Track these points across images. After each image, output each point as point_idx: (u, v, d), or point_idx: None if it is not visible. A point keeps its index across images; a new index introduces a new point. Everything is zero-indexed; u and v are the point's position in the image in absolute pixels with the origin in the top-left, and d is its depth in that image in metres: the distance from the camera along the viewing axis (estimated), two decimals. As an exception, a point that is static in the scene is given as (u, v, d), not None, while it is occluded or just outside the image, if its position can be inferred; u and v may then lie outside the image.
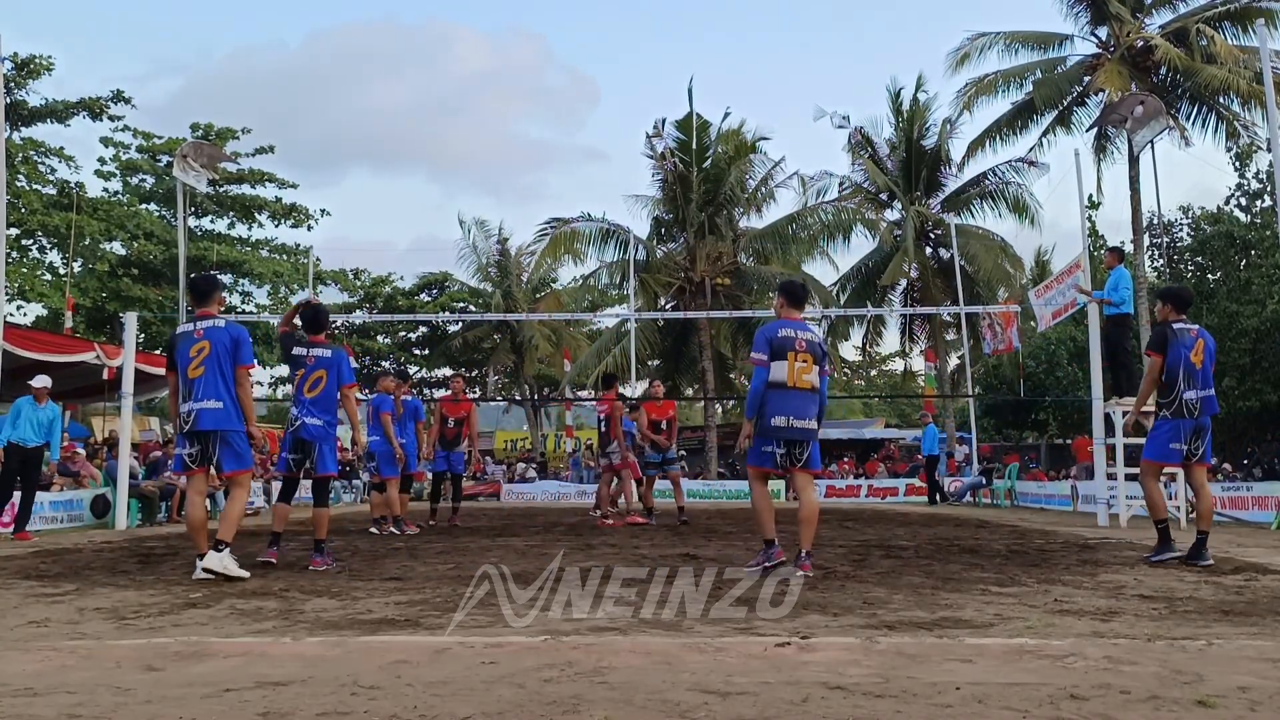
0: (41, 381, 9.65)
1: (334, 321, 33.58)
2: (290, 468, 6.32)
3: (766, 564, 5.32)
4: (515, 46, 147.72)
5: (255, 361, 5.82)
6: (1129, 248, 21.86)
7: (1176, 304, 6.52)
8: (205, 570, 5.25)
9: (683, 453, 11.93)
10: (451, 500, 11.36)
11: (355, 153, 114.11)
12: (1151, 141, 12.22)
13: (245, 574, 5.33)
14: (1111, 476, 10.75)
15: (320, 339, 6.45)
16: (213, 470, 5.73)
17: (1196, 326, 6.47)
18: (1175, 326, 6.34)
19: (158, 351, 19.30)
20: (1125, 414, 10.52)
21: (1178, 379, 6.17)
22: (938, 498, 18.28)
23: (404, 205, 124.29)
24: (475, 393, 37.66)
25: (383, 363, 36.98)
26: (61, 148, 25.76)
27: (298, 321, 6.67)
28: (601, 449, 11.08)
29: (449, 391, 11.88)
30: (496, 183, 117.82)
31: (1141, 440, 11.26)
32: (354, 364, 28.32)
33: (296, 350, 6.34)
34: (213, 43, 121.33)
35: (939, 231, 26.04)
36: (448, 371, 37.64)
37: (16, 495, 9.57)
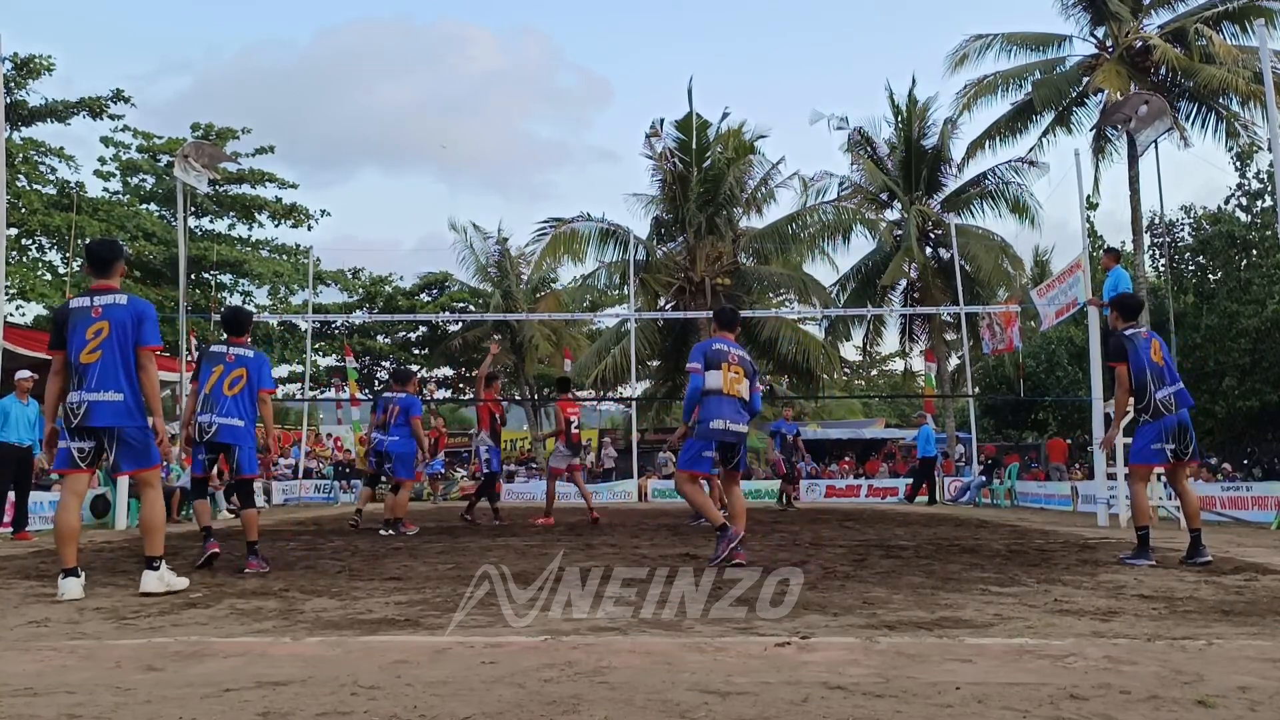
0: (26, 374, 9.57)
1: (334, 322, 33.87)
2: (206, 468, 6.24)
3: (731, 544, 5.55)
4: (527, 46, 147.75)
5: (162, 342, 4.95)
6: (1129, 248, 21.89)
7: (1124, 312, 6.72)
8: (143, 593, 4.64)
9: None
10: (487, 500, 11.49)
11: (364, 151, 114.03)
12: (1155, 141, 12.22)
13: (186, 582, 4.93)
14: (1111, 477, 10.75)
15: (241, 340, 6.16)
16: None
17: (1145, 328, 6.69)
18: (1128, 333, 6.47)
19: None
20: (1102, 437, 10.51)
21: (1146, 382, 6.27)
22: (916, 498, 18.37)
23: (411, 204, 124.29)
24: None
25: (383, 362, 36.97)
26: (61, 148, 25.81)
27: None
28: (573, 451, 11.27)
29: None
30: (505, 182, 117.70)
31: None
32: (354, 363, 28.43)
33: (215, 348, 6.08)
34: (221, 40, 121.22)
35: (939, 231, 26.05)
36: (448, 371, 37.65)
37: (11, 495, 9.54)
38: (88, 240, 25.18)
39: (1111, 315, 6.83)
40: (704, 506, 5.88)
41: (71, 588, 4.58)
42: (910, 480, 19.55)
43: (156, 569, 4.74)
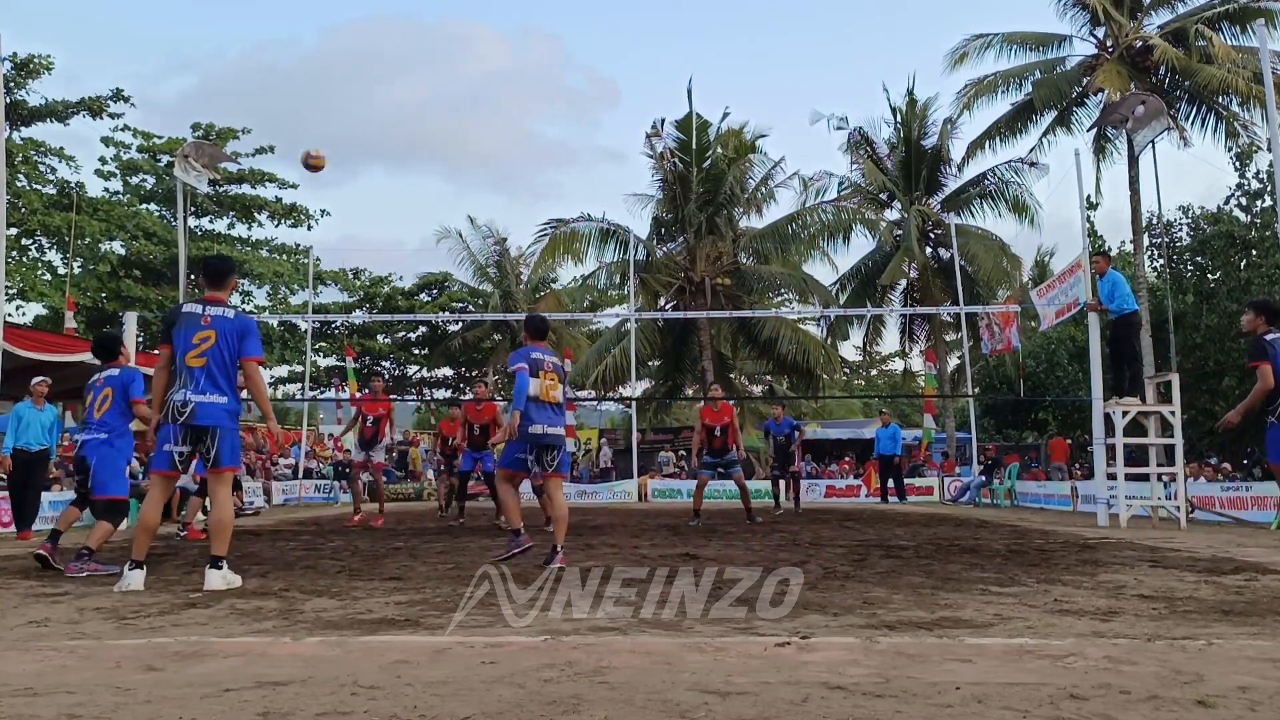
0: (41, 379, 9.71)
1: (333, 322, 33.87)
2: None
3: (517, 550, 5.95)
4: (534, 46, 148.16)
5: (263, 354, 5.34)
6: (1129, 248, 21.88)
7: (1270, 316, 7.07)
8: (207, 590, 4.84)
9: (742, 455, 11.84)
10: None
11: (369, 150, 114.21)
12: (1152, 141, 12.21)
13: (239, 580, 5.08)
14: (1112, 476, 10.74)
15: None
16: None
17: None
18: (1269, 338, 6.83)
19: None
20: (1125, 413, 10.54)
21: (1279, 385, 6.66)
22: (890, 498, 18.21)
23: (416, 204, 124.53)
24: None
25: (383, 362, 36.88)
26: (61, 148, 25.84)
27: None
28: (364, 448, 11.57)
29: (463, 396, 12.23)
30: (510, 182, 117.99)
31: (1140, 440, 11.29)
32: (354, 363, 28.40)
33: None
34: (227, 39, 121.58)
35: (939, 231, 26.06)
36: (448, 371, 37.63)
37: (9, 495, 9.71)
38: (86, 240, 25.23)
39: (1254, 318, 7.13)
40: (509, 507, 6.19)
41: (134, 580, 4.93)
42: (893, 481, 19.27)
43: (220, 568, 4.98)
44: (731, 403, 12.02)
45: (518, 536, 6.04)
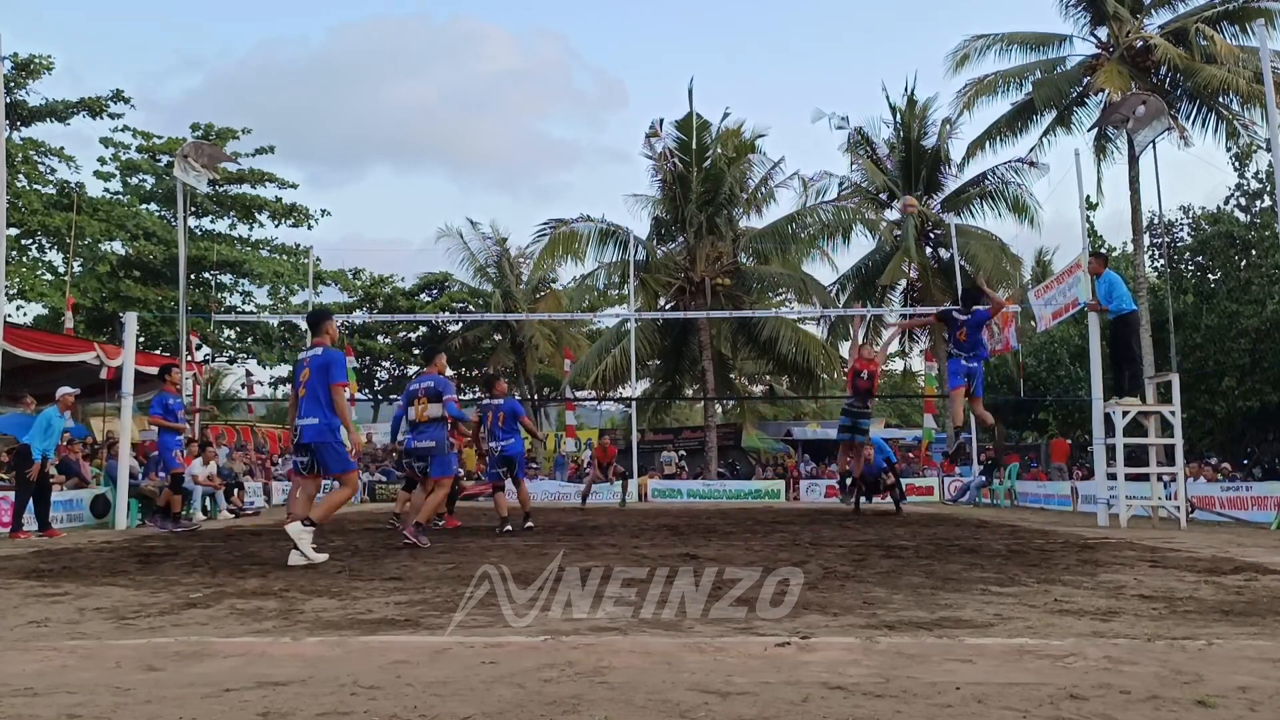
0: (69, 390, 10.19)
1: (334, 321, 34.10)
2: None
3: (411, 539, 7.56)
4: (543, 47, 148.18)
5: (345, 379, 6.69)
6: (1130, 248, 21.86)
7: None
8: (290, 534, 6.15)
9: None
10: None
11: (376, 149, 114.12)
12: (1152, 141, 12.20)
13: (321, 557, 6.16)
14: (1112, 476, 10.74)
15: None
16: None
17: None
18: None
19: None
20: (1125, 413, 10.56)
21: None
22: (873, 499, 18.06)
23: (421, 203, 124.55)
24: (469, 394, 37.60)
25: (383, 362, 36.87)
26: (61, 148, 25.84)
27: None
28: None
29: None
30: (515, 182, 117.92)
31: (1140, 440, 11.31)
32: (354, 363, 28.44)
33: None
34: (234, 38, 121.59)
35: (939, 231, 26.04)
36: (448, 372, 37.57)
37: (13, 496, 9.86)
38: (86, 240, 25.19)
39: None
40: (400, 503, 8.75)
41: (291, 528, 6.20)
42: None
43: (310, 528, 6.22)
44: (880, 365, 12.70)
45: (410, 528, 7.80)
